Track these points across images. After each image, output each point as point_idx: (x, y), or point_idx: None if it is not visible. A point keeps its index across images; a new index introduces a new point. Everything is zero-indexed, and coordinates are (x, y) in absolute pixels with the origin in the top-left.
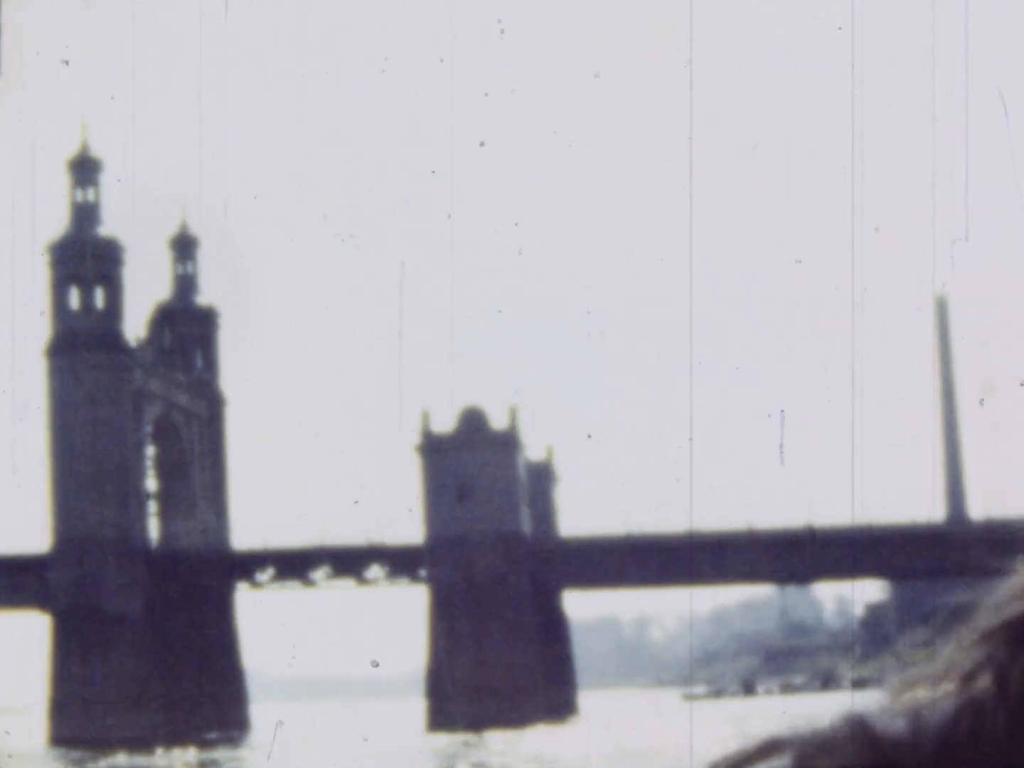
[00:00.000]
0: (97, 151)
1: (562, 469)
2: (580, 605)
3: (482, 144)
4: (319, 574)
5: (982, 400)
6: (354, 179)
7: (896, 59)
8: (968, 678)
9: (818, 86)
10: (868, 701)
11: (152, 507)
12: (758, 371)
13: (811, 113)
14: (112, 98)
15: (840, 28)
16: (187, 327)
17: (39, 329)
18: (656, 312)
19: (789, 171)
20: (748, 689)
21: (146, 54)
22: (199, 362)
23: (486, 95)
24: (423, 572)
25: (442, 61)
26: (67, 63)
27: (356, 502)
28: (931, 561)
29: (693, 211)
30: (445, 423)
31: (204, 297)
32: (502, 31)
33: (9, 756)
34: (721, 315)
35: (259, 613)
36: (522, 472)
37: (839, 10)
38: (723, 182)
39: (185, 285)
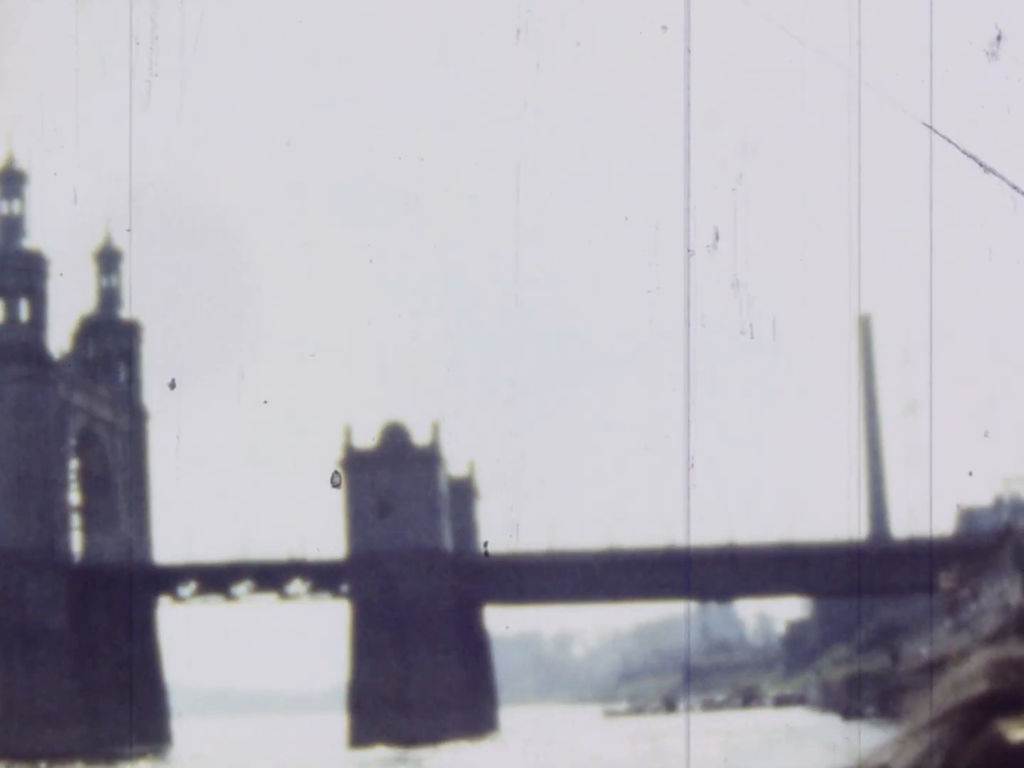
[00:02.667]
0: (22, 163)
1: (484, 484)
2: (501, 621)
3: (399, 158)
4: (241, 589)
5: (906, 417)
6: (279, 191)
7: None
8: (917, 763)
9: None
10: (790, 718)
11: (75, 520)
12: (679, 387)
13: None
14: (38, 110)
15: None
16: (111, 340)
17: None
18: (577, 326)
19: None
20: (669, 706)
21: (73, 65)
22: (122, 375)
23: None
24: (345, 587)
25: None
26: None
27: (278, 518)
28: (853, 579)
29: (624, 235)
30: (367, 438)
31: (128, 311)
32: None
33: None
34: (641, 328)
35: (182, 627)
36: (444, 487)
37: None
38: (650, 198)
39: (109, 298)
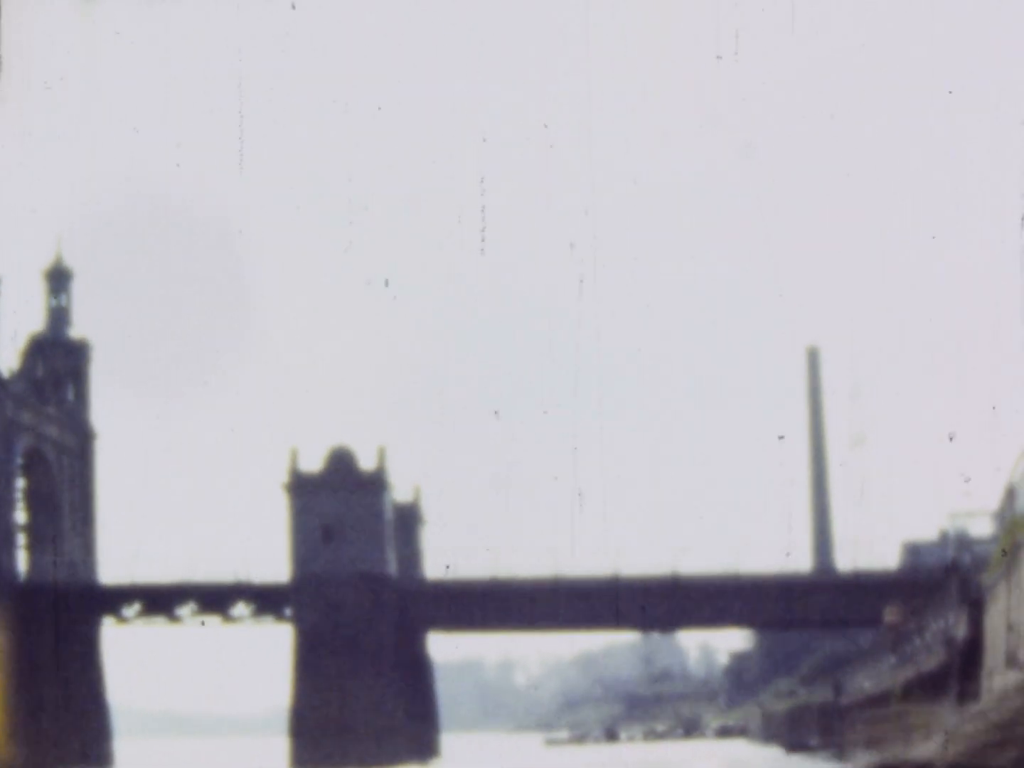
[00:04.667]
0: None
1: (429, 511)
2: (444, 647)
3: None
4: (185, 610)
5: (852, 450)
6: (229, 211)
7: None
8: None
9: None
10: (732, 749)
11: (20, 540)
12: (631, 418)
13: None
14: None
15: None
16: (59, 359)
17: None
18: (518, 352)
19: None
20: (611, 736)
21: (20, 81)
22: (70, 395)
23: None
24: (289, 611)
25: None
26: None
27: (223, 540)
28: (797, 611)
29: (584, 271)
30: (314, 462)
31: (77, 330)
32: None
33: None
34: (598, 360)
35: (125, 648)
36: (389, 513)
37: None
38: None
39: (58, 317)
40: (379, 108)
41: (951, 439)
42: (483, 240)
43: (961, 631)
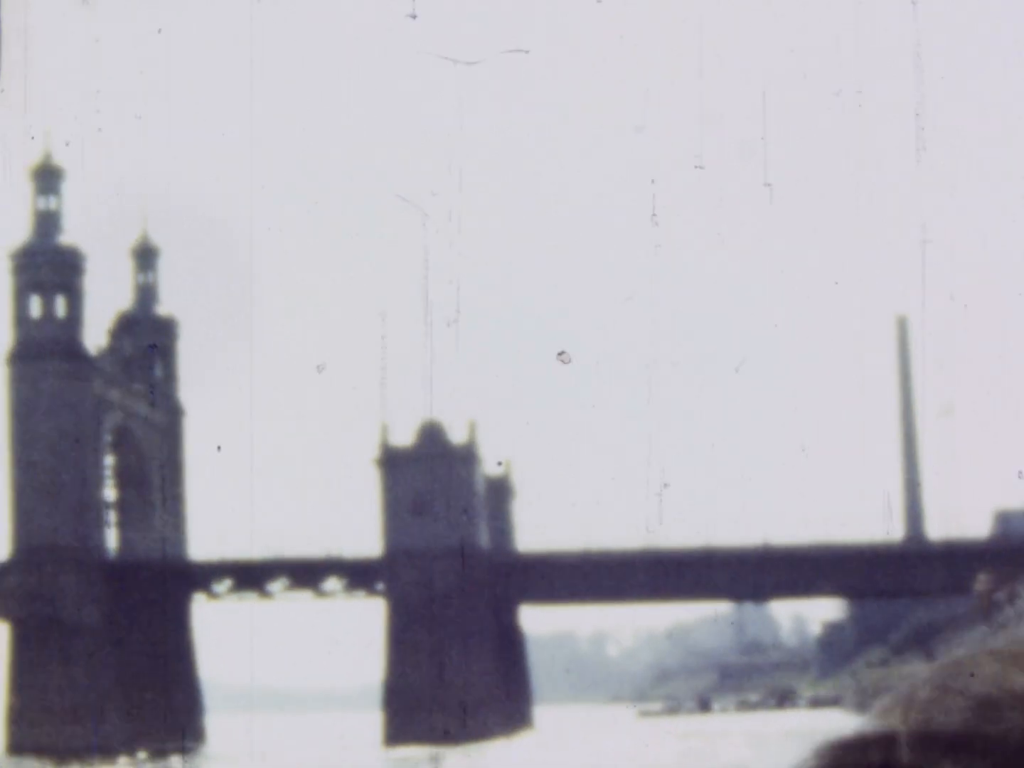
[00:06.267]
0: (59, 159)
1: (520, 484)
2: (537, 620)
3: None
4: (276, 586)
5: (941, 419)
6: (323, 192)
7: (880, 69)
8: None
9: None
10: (826, 720)
11: (110, 516)
12: (719, 389)
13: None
14: (74, 107)
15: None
16: (147, 337)
17: (0, 336)
18: (618, 326)
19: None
20: (704, 706)
21: (110, 61)
22: (158, 372)
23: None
24: (380, 585)
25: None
26: (31, 71)
27: (314, 515)
28: (888, 580)
29: (659, 237)
30: (404, 437)
31: (164, 307)
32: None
33: None
34: (684, 331)
35: (216, 624)
36: (480, 486)
37: None
38: (687, 210)
39: (146, 295)
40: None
41: None
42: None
43: None
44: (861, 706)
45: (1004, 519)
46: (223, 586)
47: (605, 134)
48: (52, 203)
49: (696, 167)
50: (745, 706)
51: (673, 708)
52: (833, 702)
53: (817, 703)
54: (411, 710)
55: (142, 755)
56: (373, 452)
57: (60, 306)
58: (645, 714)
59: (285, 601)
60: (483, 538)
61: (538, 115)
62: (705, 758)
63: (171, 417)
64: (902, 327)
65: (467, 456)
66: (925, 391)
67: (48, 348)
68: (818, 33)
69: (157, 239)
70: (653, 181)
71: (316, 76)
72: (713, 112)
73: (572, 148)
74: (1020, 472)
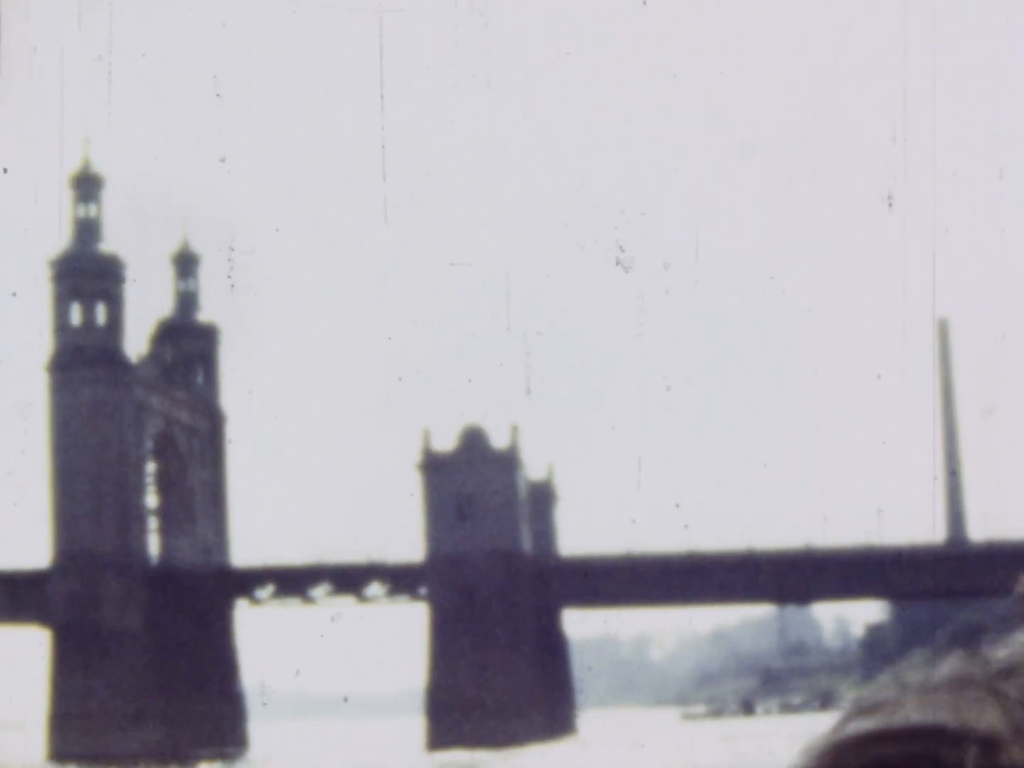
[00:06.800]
0: (99, 167)
1: (562, 488)
2: (579, 624)
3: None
4: (319, 591)
5: (983, 420)
6: (359, 198)
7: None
8: None
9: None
10: None
11: (152, 523)
12: (756, 392)
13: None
14: (114, 114)
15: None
16: (188, 343)
17: (41, 344)
18: (656, 331)
19: (789, 193)
20: (747, 709)
21: (149, 69)
22: (200, 378)
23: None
24: (423, 590)
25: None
26: (69, 78)
27: (356, 520)
28: (930, 582)
29: (698, 231)
30: (446, 441)
31: (205, 314)
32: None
33: None
34: (721, 334)
35: (258, 630)
36: (522, 490)
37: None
38: (726, 201)
39: (186, 302)
40: None
41: None
42: (621, 251)
43: None
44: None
45: None
46: (266, 592)
47: (630, 129)
48: (92, 211)
49: (737, 161)
50: (788, 708)
51: (716, 711)
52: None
53: None
54: (454, 715)
55: (185, 762)
56: (415, 457)
57: (100, 314)
58: (688, 717)
59: (328, 607)
60: (525, 542)
61: (568, 117)
62: (752, 760)
63: (213, 423)
64: (943, 329)
65: (509, 460)
66: (966, 393)
67: (89, 356)
68: (863, 32)
69: (198, 246)
70: (695, 176)
71: (360, 83)
72: (749, 109)
73: (603, 146)
74: None
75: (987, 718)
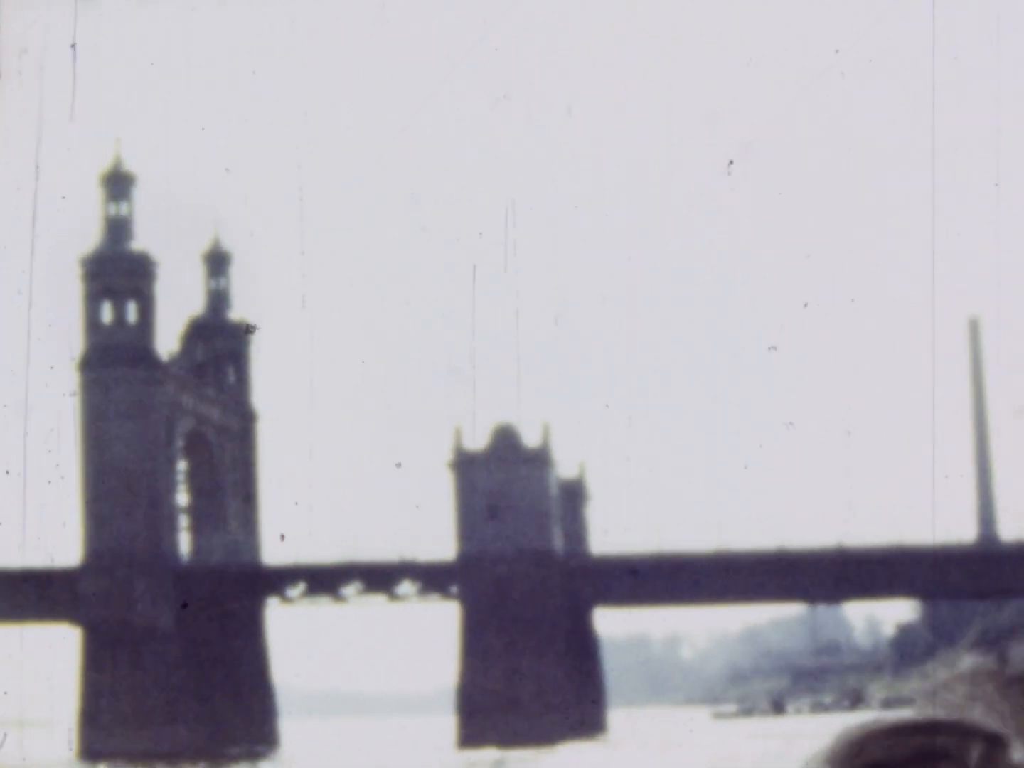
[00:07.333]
0: (130, 165)
1: (594, 486)
2: (610, 623)
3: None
4: (350, 590)
5: (1014, 419)
6: (389, 197)
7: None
8: None
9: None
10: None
11: (183, 521)
12: (788, 390)
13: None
14: (145, 112)
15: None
16: (220, 342)
17: (72, 343)
18: (687, 330)
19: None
20: (778, 708)
21: (180, 67)
22: (231, 377)
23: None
24: (454, 588)
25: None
26: (101, 76)
27: (388, 519)
28: (962, 581)
29: (724, 231)
30: (477, 440)
31: (237, 312)
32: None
33: None
34: (752, 332)
35: (289, 628)
36: (554, 489)
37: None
38: (752, 202)
39: (218, 300)
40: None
41: None
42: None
43: None
44: (934, 707)
45: None
46: (296, 590)
47: (676, 127)
48: (123, 209)
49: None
50: (819, 707)
51: (747, 710)
52: (906, 703)
53: (890, 704)
54: (485, 713)
55: (216, 760)
56: (446, 455)
57: (132, 312)
58: (719, 716)
59: (359, 605)
60: (557, 541)
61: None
62: (784, 760)
63: (244, 422)
64: (974, 328)
65: (541, 459)
66: (997, 391)
67: (120, 354)
68: (895, 31)
69: (229, 244)
70: (730, 169)
71: (394, 77)
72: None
73: (644, 146)
74: None
75: (993, 718)
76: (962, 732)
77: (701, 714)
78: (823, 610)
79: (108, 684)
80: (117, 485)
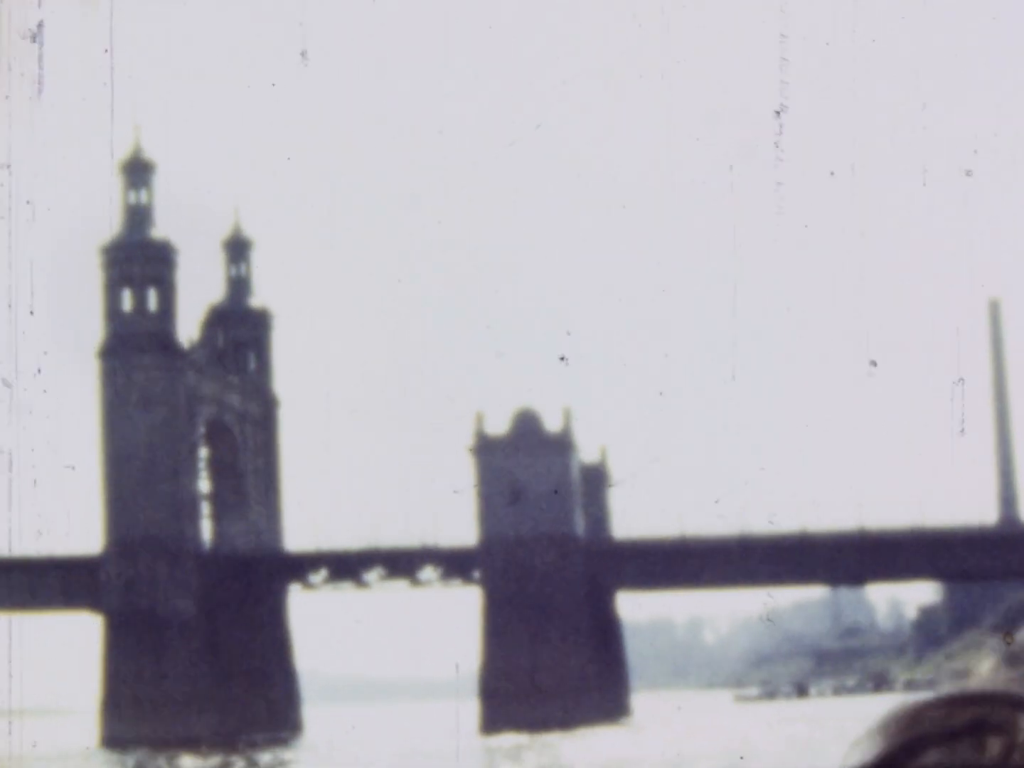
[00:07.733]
0: (150, 153)
1: (616, 471)
2: (633, 607)
3: (511, 144)
4: (372, 575)
5: None
6: (406, 182)
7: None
8: None
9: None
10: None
11: (205, 508)
12: (808, 375)
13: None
14: (165, 100)
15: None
16: (240, 329)
17: (93, 330)
18: (706, 314)
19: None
20: (801, 691)
21: (200, 56)
22: (252, 364)
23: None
24: (476, 574)
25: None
26: (119, 65)
27: (409, 504)
28: (983, 563)
29: (737, 222)
30: (499, 425)
31: (257, 299)
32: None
33: (61, 756)
34: (770, 318)
35: (312, 614)
36: (575, 474)
37: None
38: (766, 196)
39: (238, 287)
40: None
41: None
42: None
43: None
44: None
45: None
46: (319, 576)
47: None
48: (143, 197)
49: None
50: (842, 690)
51: (770, 693)
52: (929, 685)
53: (913, 687)
54: (507, 698)
55: (240, 747)
56: (468, 441)
57: (152, 299)
58: (742, 699)
59: (381, 591)
60: (579, 525)
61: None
62: (808, 743)
63: (266, 408)
64: (995, 309)
65: (562, 444)
66: (1019, 374)
67: (140, 341)
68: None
69: (250, 231)
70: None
71: (416, 70)
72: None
73: (675, 148)
74: None
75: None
76: (1014, 704)
77: (724, 697)
78: (845, 593)
79: (131, 671)
80: (138, 473)
